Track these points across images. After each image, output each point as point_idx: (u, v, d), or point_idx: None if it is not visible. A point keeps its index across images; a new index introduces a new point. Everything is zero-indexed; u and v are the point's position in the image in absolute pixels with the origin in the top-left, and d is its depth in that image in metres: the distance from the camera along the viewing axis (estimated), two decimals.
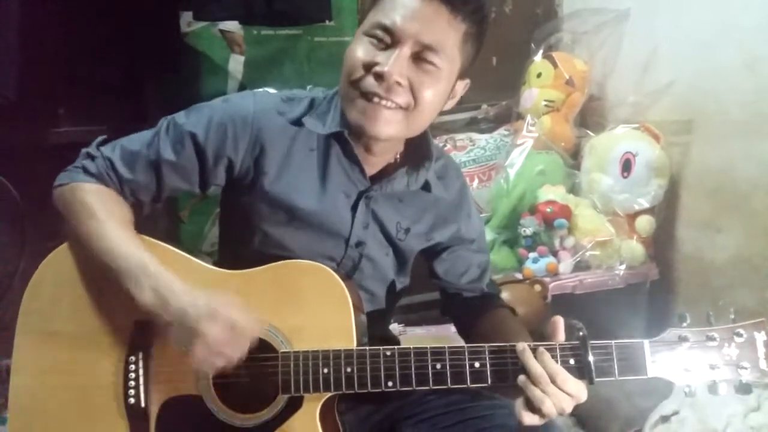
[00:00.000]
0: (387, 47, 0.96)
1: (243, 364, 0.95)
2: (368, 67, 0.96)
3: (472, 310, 1.19)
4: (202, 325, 0.90)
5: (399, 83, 0.95)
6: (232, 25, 2.14)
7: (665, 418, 1.38)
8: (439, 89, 1.00)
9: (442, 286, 1.22)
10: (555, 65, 2.21)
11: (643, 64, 2.16)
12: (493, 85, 2.36)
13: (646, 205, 2.02)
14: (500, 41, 2.38)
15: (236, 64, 2.17)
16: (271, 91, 1.14)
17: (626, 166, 2.02)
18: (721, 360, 0.88)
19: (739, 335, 0.89)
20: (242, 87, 2.16)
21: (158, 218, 2.06)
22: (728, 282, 1.92)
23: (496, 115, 2.39)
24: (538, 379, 0.88)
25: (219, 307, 0.91)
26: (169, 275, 0.95)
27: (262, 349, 0.97)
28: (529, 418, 0.89)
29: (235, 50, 2.17)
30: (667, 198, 2.06)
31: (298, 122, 1.06)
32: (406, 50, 0.95)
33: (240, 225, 1.09)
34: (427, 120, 1.03)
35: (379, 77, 0.95)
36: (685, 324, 0.90)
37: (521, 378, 0.90)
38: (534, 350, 0.90)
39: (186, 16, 2.08)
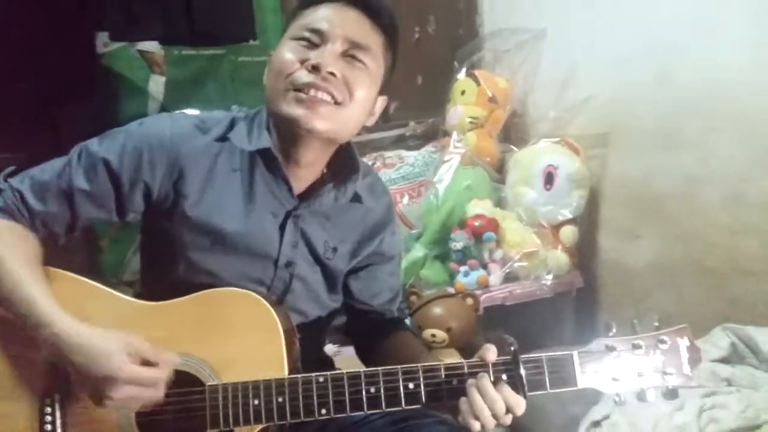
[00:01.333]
0: (316, 46, 0.99)
1: (168, 400, 0.91)
2: (301, 62, 0.98)
3: (379, 330, 1.18)
4: (113, 365, 0.86)
5: (333, 74, 0.97)
6: (151, 45, 2.08)
7: (596, 424, 1.42)
8: (370, 91, 1.03)
9: (351, 305, 1.20)
10: (478, 83, 2.26)
11: (562, 80, 2.24)
12: (420, 103, 2.40)
13: (569, 215, 2.08)
14: (425, 60, 2.42)
15: (157, 85, 2.11)
16: (190, 112, 1.12)
17: (549, 179, 2.08)
18: (647, 367, 0.90)
19: (664, 342, 0.91)
20: (163, 108, 2.10)
21: (76, 248, 1.96)
22: (649, 286, 2.00)
23: (424, 132, 2.42)
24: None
25: (129, 346, 0.87)
26: (68, 319, 0.90)
27: (188, 383, 0.93)
28: (471, 422, 0.89)
29: (155, 71, 2.11)
30: (589, 208, 2.13)
31: (222, 139, 1.05)
32: (337, 47, 0.99)
33: (162, 253, 1.05)
34: (356, 124, 1.04)
35: (314, 69, 0.96)
36: (611, 333, 0.92)
37: (469, 382, 0.90)
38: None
39: (102, 37, 2.01)
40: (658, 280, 1.97)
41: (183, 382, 0.93)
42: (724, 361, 1.49)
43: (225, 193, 1.03)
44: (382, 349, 1.16)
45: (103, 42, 2.03)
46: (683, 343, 0.91)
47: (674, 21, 1.85)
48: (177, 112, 1.12)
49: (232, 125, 1.07)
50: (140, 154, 1.00)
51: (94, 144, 1.03)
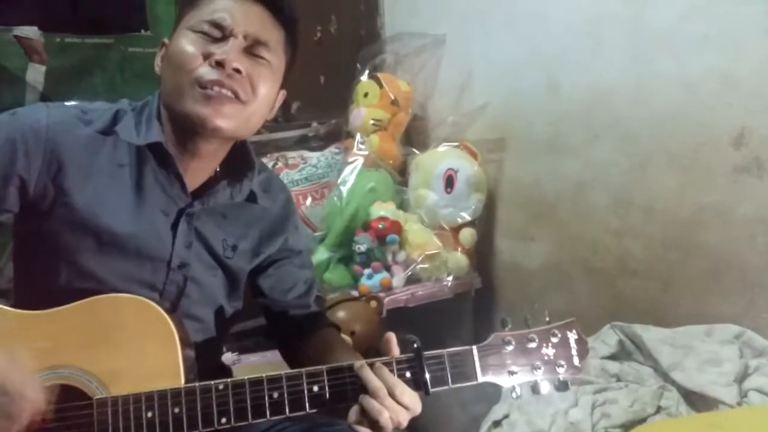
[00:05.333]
0: (218, 40, 0.95)
1: (50, 417, 0.83)
2: (204, 56, 0.93)
3: (299, 330, 1.15)
4: None
5: (239, 70, 0.93)
6: (29, 31, 1.91)
7: (497, 423, 1.45)
8: (272, 86, 1.00)
9: (266, 305, 1.16)
10: (381, 85, 2.26)
11: (460, 86, 2.29)
12: (322, 103, 2.37)
13: (468, 218, 2.12)
14: (327, 60, 2.40)
15: (36, 74, 1.93)
16: (69, 103, 1.03)
17: (449, 182, 2.12)
18: (540, 360, 0.93)
19: (555, 335, 0.94)
20: (44, 99, 1.93)
21: None
22: (542, 287, 2.08)
23: (327, 133, 2.39)
24: (377, 392, 0.87)
25: None
26: None
27: (73, 398, 0.85)
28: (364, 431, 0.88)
29: (35, 59, 1.94)
30: (486, 211, 2.19)
31: (107, 132, 0.97)
32: (239, 42, 0.95)
33: (41, 257, 0.95)
34: (259, 120, 1.01)
35: (219, 65, 0.92)
36: (507, 328, 0.94)
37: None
38: (371, 365, 0.90)
39: None
40: (551, 280, 2.06)
41: (68, 396, 0.85)
42: (612, 357, 1.57)
43: (111, 190, 0.96)
44: (305, 350, 1.13)
45: None
46: (572, 336, 0.95)
47: (563, 34, 1.94)
48: (55, 103, 1.02)
49: (116, 117, 0.99)
50: (14, 145, 0.91)
51: None
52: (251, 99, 0.96)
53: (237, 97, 0.94)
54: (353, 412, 0.89)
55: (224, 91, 0.93)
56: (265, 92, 0.98)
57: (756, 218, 1.55)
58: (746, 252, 1.57)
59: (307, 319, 1.17)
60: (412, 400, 0.89)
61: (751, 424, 1.27)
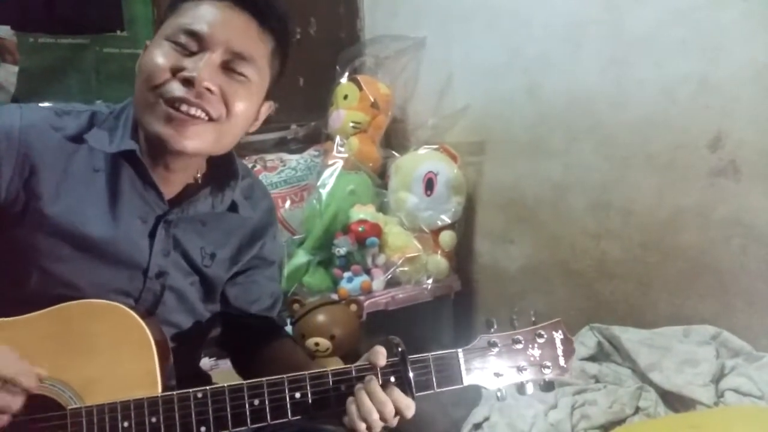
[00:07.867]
0: (193, 54, 0.89)
1: (23, 428, 0.81)
2: (174, 71, 0.88)
3: (257, 341, 1.12)
4: None
5: (210, 90, 0.88)
6: (2, 30, 1.87)
7: (477, 426, 1.45)
8: (252, 102, 0.94)
9: (227, 314, 1.12)
10: (360, 88, 2.25)
11: (440, 89, 2.29)
12: (301, 105, 2.35)
13: (448, 221, 2.13)
14: (306, 62, 2.38)
15: (8, 74, 1.89)
16: (45, 104, 1.00)
17: (429, 185, 2.12)
18: (526, 361, 0.92)
19: (541, 336, 0.93)
20: (16, 101, 1.89)
21: None
22: (521, 289, 2.09)
23: (306, 135, 2.37)
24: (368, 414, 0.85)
25: None
26: None
27: (46, 408, 0.83)
28: (358, 423, 0.86)
29: (7, 59, 1.90)
30: (466, 214, 2.19)
31: (77, 138, 0.94)
32: (215, 57, 0.89)
33: (12, 263, 0.92)
34: (237, 136, 0.97)
35: (188, 82, 0.87)
36: (493, 329, 0.93)
37: (358, 386, 0.87)
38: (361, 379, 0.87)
39: None
40: (530, 283, 2.06)
41: (41, 407, 0.83)
42: (591, 359, 1.58)
43: (86, 195, 0.93)
44: (263, 361, 1.10)
45: None
46: (558, 336, 0.94)
47: (543, 37, 1.95)
48: (29, 104, 0.99)
49: (92, 121, 0.96)
50: None
51: None
52: (224, 117, 0.91)
53: (208, 116, 0.89)
54: (350, 402, 0.87)
55: (192, 110, 0.87)
56: (242, 109, 0.92)
57: (732, 221, 1.57)
58: (722, 254, 1.59)
59: (267, 330, 1.14)
60: (404, 402, 0.87)
61: (728, 423, 1.28)
